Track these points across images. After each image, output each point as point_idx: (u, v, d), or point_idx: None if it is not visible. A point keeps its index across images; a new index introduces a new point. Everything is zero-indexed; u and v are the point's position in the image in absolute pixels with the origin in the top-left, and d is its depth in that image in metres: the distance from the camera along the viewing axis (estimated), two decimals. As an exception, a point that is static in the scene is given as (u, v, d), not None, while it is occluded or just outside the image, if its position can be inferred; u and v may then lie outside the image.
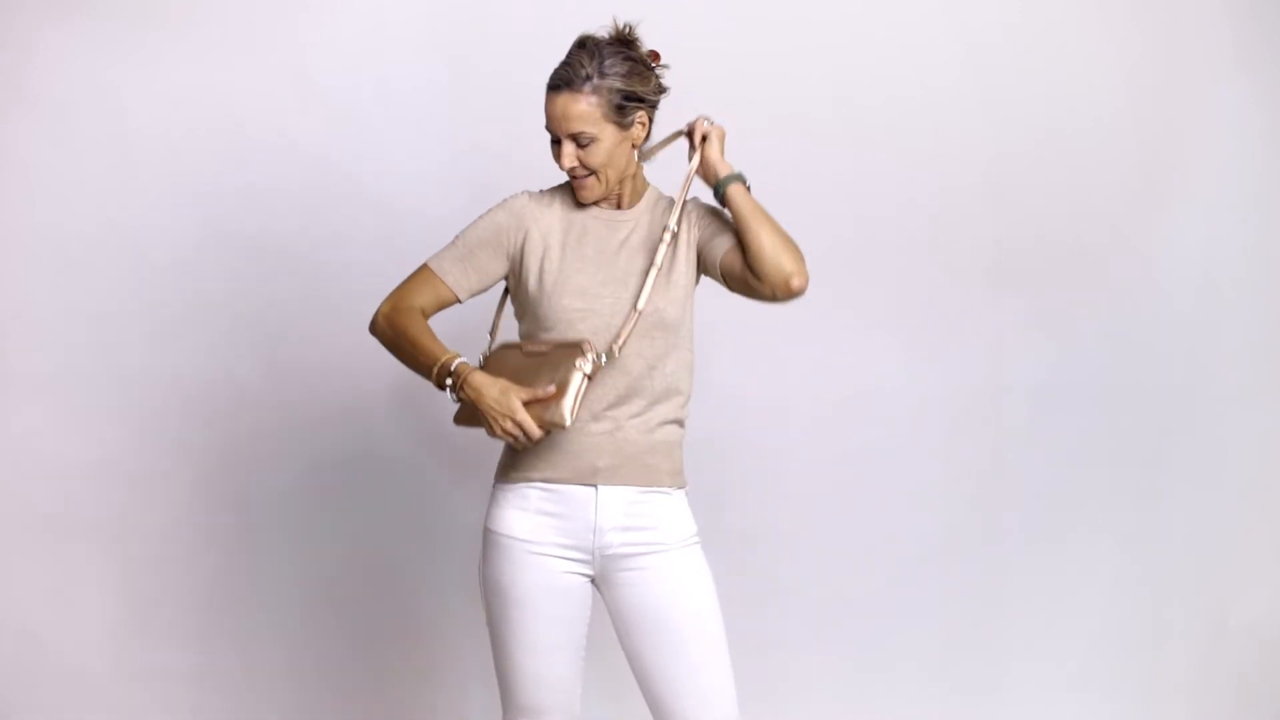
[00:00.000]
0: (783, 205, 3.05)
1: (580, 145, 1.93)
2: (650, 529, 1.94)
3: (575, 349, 1.86)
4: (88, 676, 3.04)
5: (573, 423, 1.84)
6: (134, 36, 3.00)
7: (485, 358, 2.03)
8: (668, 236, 1.95)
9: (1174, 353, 3.22)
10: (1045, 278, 3.18)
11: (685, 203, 2.00)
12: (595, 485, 1.93)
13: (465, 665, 3.09)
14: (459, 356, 1.92)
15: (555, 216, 1.99)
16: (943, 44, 3.15)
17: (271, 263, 3.02)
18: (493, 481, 2.03)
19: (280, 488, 3.06)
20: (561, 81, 1.93)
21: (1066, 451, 3.20)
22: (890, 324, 3.15)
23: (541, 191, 2.04)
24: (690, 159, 2.00)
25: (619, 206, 2.01)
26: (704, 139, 1.99)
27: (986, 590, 3.20)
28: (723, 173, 1.97)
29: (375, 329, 2.00)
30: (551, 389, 1.85)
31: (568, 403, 1.84)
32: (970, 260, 3.17)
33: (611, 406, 1.93)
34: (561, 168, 1.97)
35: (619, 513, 1.93)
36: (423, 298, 1.98)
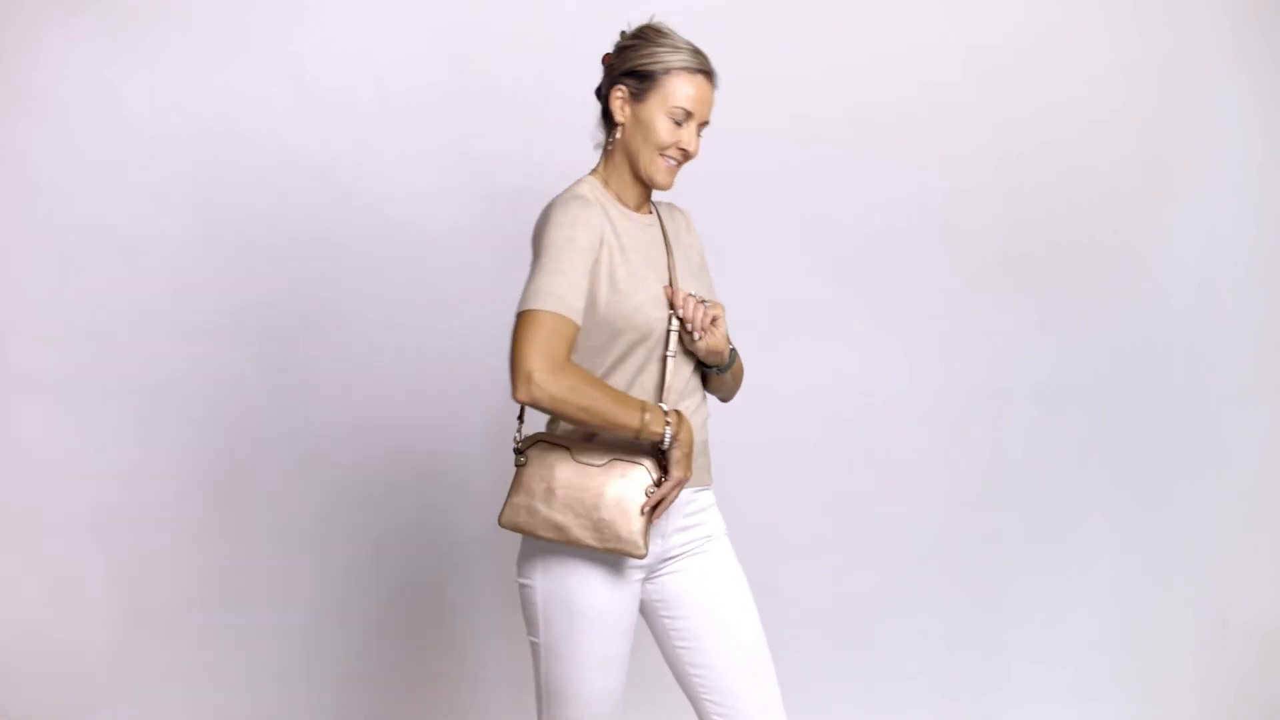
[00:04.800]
0: (790, 207, 3.09)
1: (698, 133, 1.94)
2: (700, 525, 1.98)
3: (634, 466, 1.82)
4: (87, 676, 3.04)
5: (648, 551, 1.82)
6: (133, 36, 3.00)
7: (521, 444, 1.91)
8: (700, 244, 2.03)
9: (1174, 353, 3.22)
10: (1047, 278, 3.18)
11: (679, 212, 2.07)
12: (693, 487, 1.94)
13: (464, 666, 3.09)
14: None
15: (606, 221, 1.91)
16: (945, 46, 3.15)
17: (270, 262, 3.02)
18: None
19: (279, 487, 3.06)
20: (708, 68, 1.93)
21: (1068, 451, 3.20)
22: (892, 324, 3.16)
23: (584, 197, 1.91)
24: (696, 342, 1.92)
25: (635, 209, 1.98)
26: (713, 320, 1.93)
27: (986, 590, 3.20)
28: (726, 348, 1.97)
29: (535, 393, 1.72)
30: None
31: (638, 528, 1.80)
32: (973, 260, 3.17)
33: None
34: (691, 151, 1.93)
35: (680, 515, 1.94)
36: (564, 346, 1.76)
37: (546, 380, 1.71)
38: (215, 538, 3.06)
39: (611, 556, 1.86)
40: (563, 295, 1.76)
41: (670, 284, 1.92)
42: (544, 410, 1.73)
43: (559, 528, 1.83)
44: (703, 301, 1.92)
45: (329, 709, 3.06)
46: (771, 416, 3.09)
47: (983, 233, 3.17)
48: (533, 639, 1.91)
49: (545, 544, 1.88)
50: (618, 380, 1.86)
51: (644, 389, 1.88)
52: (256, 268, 3.02)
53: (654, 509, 1.81)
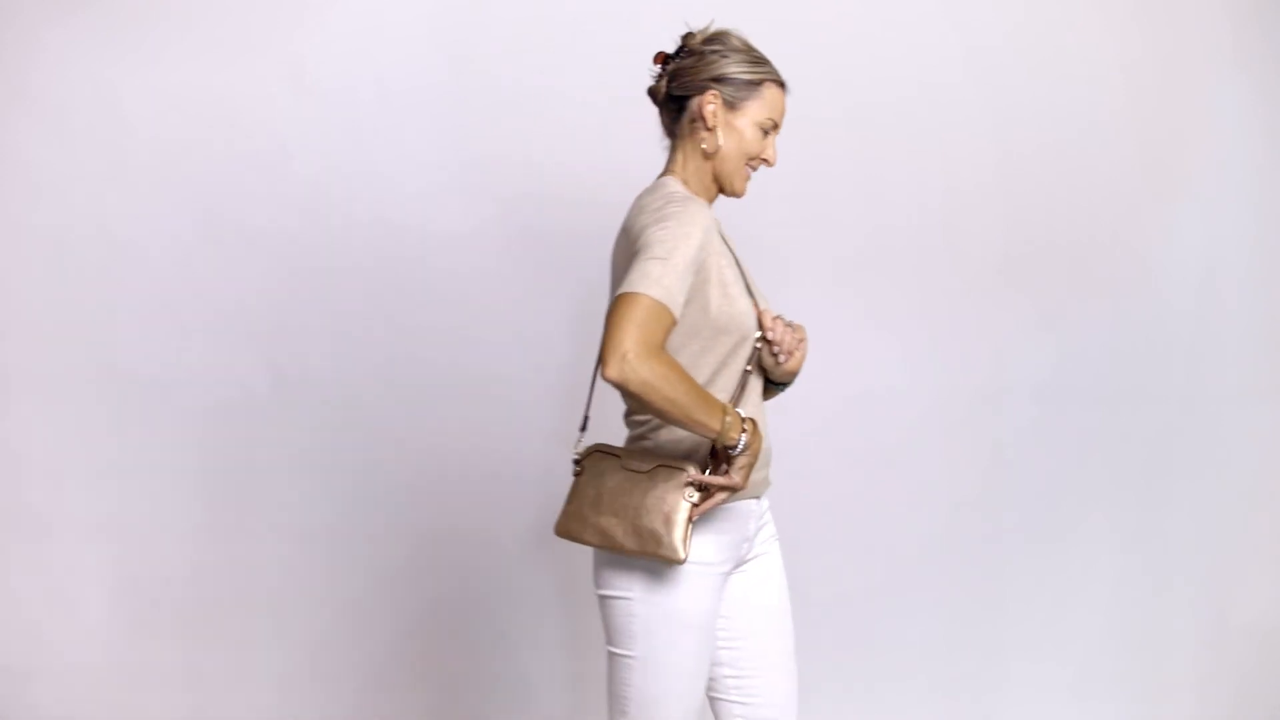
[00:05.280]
0: (790, 207, 3.08)
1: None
2: (767, 526, 2.02)
3: (679, 473, 1.80)
4: (87, 676, 3.04)
5: (686, 557, 1.78)
6: (133, 36, 3.00)
7: (579, 457, 1.92)
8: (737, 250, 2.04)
9: (1174, 353, 3.22)
10: (1047, 278, 3.18)
11: None
12: (759, 496, 1.95)
13: (463, 667, 3.09)
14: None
15: (714, 224, 1.90)
16: (945, 46, 3.15)
17: (270, 262, 3.03)
18: None
19: (279, 488, 3.06)
20: (784, 81, 1.96)
21: (1068, 451, 3.20)
22: (892, 324, 3.15)
23: (697, 198, 1.89)
24: (782, 364, 1.95)
25: None
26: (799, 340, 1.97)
27: (986, 590, 3.20)
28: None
29: (627, 373, 1.66)
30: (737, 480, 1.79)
31: (678, 535, 1.77)
32: (973, 260, 3.17)
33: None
34: (772, 161, 1.97)
35: (756, 518, 1.95)
36: (662, 334, 1.72)
37: (640, 363, 1.66)
38: (215, 538, 3.06)
39: (715, 565, 1.86)
40: (669, 287, 1.72)
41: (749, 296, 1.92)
42: (629, 393, 1.68)
43: (604, 533, 1.83)
44: (790, 324, 1.94)
45: (330, 709, 3.06)
46: (771, 416, 3.07)
47: (983, 233, 3.16)
48: (622, 652, 1.86)
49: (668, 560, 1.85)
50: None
51: (722, 395, 1.88)
52: (256, 267, 3.02)
53: (700, 504, 1.79)
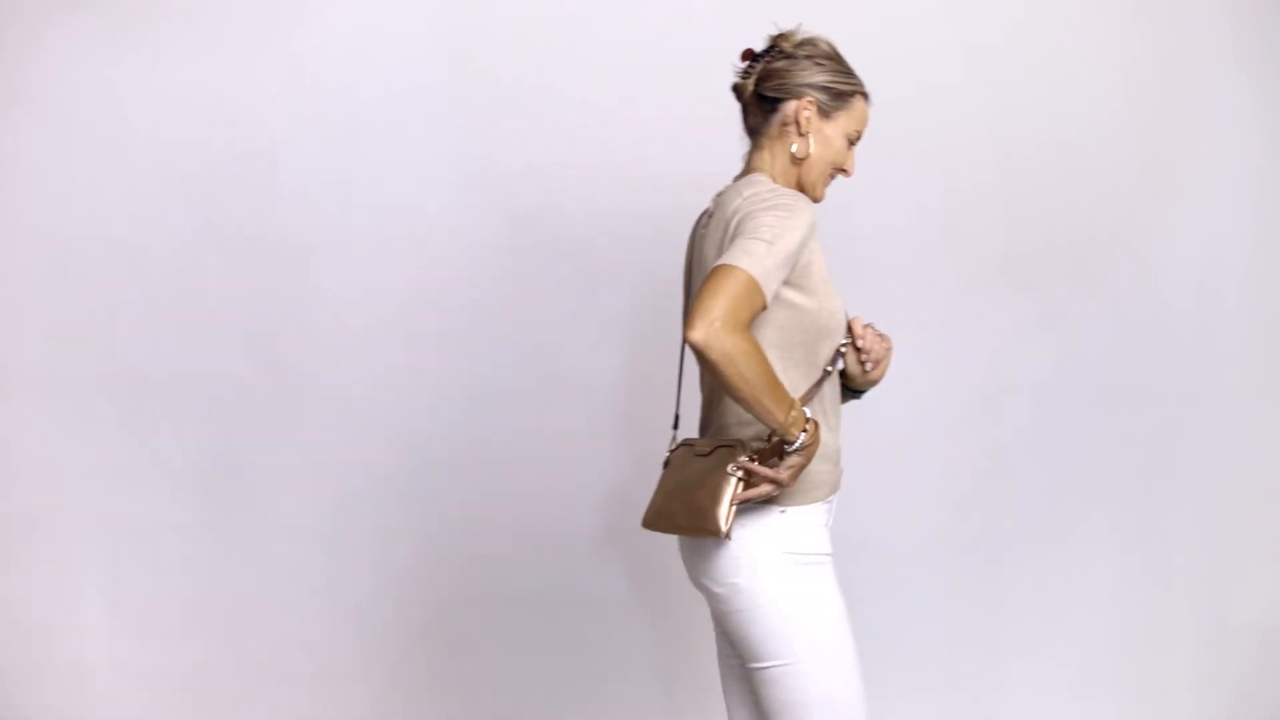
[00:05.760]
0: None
1: None
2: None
3: (732, 452, 1.80)
4: (87, 676, 3.04)
5: (727, 530, 1.78)
6: (133, 36, 3.00)
7: (671, 450, 1.96)
8: None
9: (1174, 353, 3.22)
10: (1047, 278, 3.18)
11: None
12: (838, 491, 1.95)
13: (464, 667, 3.09)
14: None
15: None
16: (945, 46, 3.15)
17: (270, 262, 3.03)
18: (780, 506, 1.85)
19: (279, 488, 3.06)
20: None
21: (1067, 452, 3.20)
22: (892, 323, 3.14)
23: (802, 196, 1.89)
24: (869, 371, 1.97)
25: None
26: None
27: (986, 590, 3.19)
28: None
29: (711, 339, 1.65)
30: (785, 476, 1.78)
31: (722, 511, 1.77)
32: (972, 260, 3.17)
33: None
34: (851, 172, 2.02)
35: (833, 514, 1.96)
36: (751, 312, 1.71)
37: (726, 333, 1.65)
38: (216, 539, 3.06)
39: (830, 555, 1.87)
40: (768, 269, 1.72)
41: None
42: (709, 360, 1.66)
43: (669, 516, 1.85)
44: (879, 334, 1.94)
45: (330, 710, 3.06)
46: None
47: (982, 233, 3.16)
48: (783, 662, 1.83)
49: (806, 556, 1.84)
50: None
51: (797, 389, 1.87)
52: (256, 268, 3.02)
53: (741, 488, 1.79)
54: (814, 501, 1.87)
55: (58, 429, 3.02)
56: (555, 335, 3.06)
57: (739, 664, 1.99)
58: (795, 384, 1.85)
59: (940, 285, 3.16)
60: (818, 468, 1.85)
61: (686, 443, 1.93)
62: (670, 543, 2.04)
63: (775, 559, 1.83)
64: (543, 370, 3.06)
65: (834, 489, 1.91)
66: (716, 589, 1.86)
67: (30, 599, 3.03)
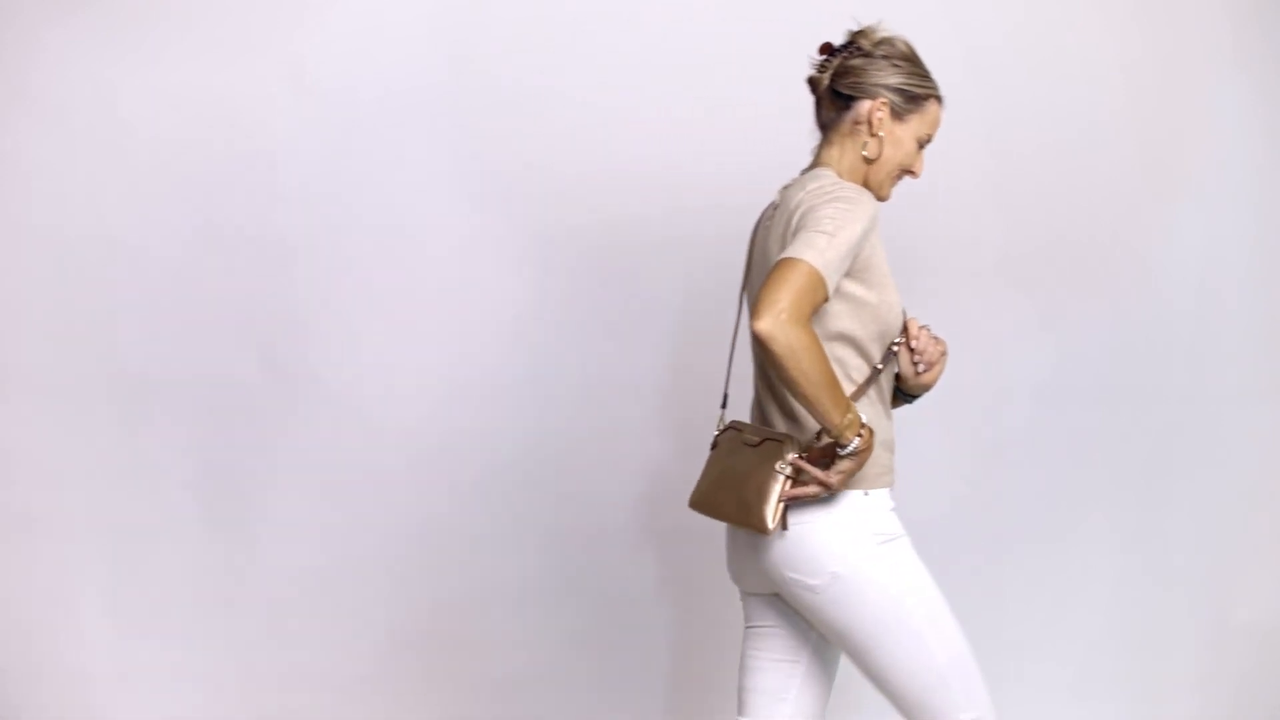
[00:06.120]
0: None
1: None
2: None
3: (780, 446, 1.79)
4: (87, 676, 3.04)
5: (774, 527, 1.78)
6: (133, 36, 3.00)
7: (718, 432, 1.96)
8: None
9: (1174, 353, 3.22)
10: (1047, 278, 3.18)
11: None
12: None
13: (465, 667, 3.09)
14: None
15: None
16: (945, 46, 3.13)
17: (270, 262, 3.03)
18: (863, 489, 1.86)
19: (279, 489, 3.06)
20: None
21: (1067, 451, 3.20)
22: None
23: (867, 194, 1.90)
24: (921, 374, 1.96)
25: None
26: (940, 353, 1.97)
27: (986, 590, 3.19)
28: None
29: (775, 331, 1.65)
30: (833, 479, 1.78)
31: (769, 508, 1.78)
32: (973, 260, 3.17)
33: None
34: (917, 174, 2.03)
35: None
36: (813, 306, 1.71)
37: (792, 326, 1.65)
38: (216, 539, 3.06)
39: (904, 535, 1.89)
40: (830, 261, 1.71)
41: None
42: (771, 351, 1.66)
43: (717, 506, 1.86)
44: (934, 336, 1.93)
45: (331, 710, 3.06)
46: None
47: (982, 233, 3.16)
48: (902, 640, 1.86)
49: (889, 536, 1.86)
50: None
51: (848, 383, 1.87)
52: (256, 268, 3.02)
53: (787, 488, 1.79)
54: (887, 485, 1.90)
55: (58, 429, 3.02)
56: (553, 335, 3.06)
57: (788, 661, 2.00)
58: (850, 377, 1.86)
59: (940, 285, 3.15)
60: (883, 455, 1.87)
61: (735, 425, 1.92)
62: (705, 541, 2.02)
63: (868, 543, 1.84)
64: (542, 370, 3.06)
65: (887, 482, 1.92)
66: (811, 581, 1.84)
67: (30, 599, 3.03)
